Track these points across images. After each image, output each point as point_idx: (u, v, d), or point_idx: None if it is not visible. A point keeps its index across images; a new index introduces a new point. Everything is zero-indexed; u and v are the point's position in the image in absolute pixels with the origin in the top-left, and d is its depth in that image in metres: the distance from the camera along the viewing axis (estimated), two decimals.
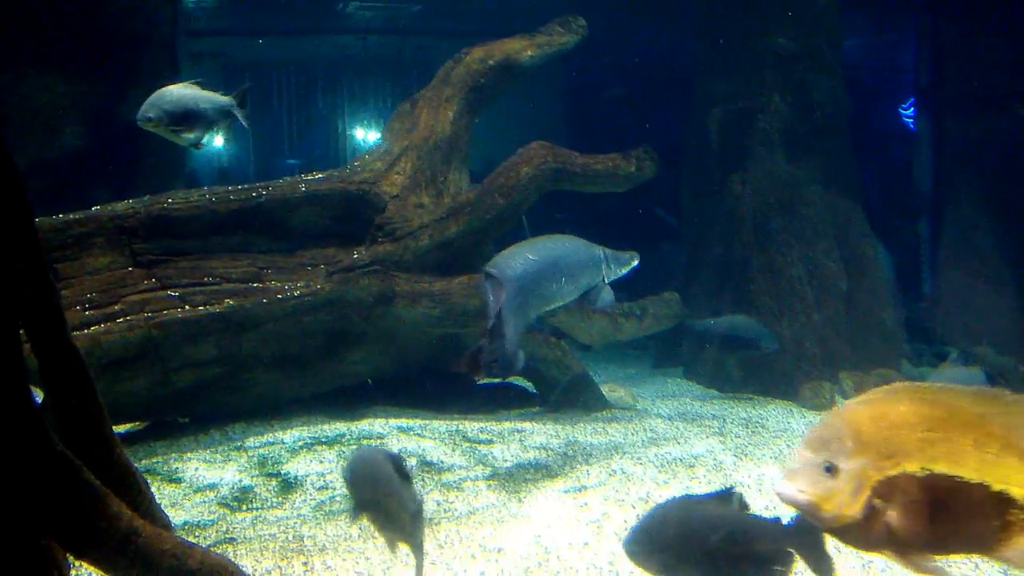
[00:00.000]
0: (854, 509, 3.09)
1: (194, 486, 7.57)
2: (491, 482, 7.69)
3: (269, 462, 8.20)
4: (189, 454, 8.42)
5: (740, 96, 13.18)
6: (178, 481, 7.68)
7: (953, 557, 3.20)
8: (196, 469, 7.98)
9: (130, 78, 12.76)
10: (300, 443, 8.73)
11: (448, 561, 5.87)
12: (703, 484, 7.67)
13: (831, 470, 3.14)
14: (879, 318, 13.50)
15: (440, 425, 9.44)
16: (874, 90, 18.65)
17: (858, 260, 13.28)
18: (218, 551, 5.70)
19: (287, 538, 6.28)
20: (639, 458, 8.39)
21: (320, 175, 10.31)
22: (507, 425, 9.62)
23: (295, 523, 6.63)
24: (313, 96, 21.46)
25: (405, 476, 4.51)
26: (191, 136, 7.84)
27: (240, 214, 9.46)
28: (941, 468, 3.00)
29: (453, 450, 8.59)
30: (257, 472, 7.94)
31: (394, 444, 8.72)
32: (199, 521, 6.70)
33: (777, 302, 12.18)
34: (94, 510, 3.63)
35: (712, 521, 4.00)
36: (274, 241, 9.74)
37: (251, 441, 8.79)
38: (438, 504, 7.05)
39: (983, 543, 3.06)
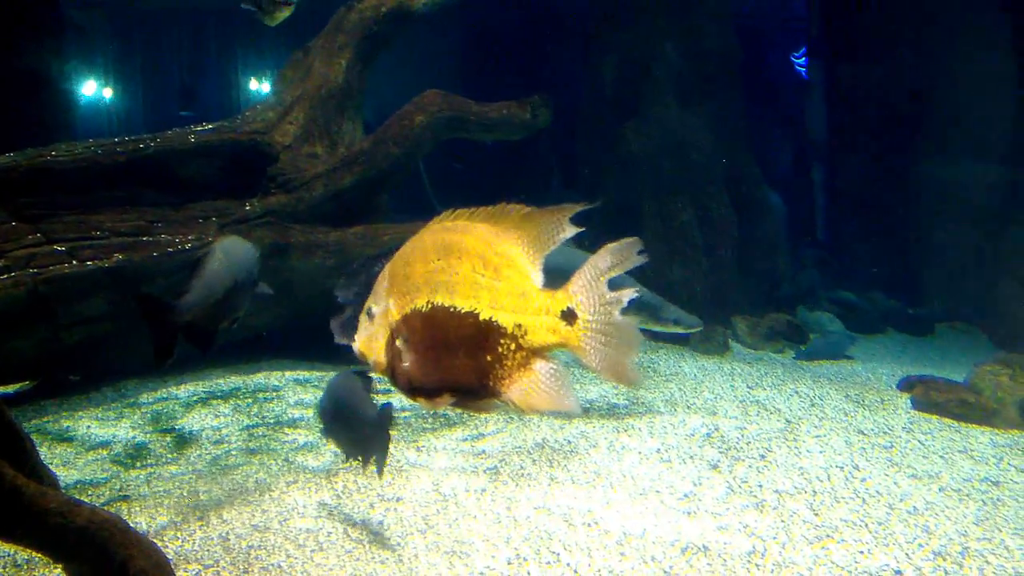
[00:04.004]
0: (377, 352, 2.86)
1: (86, 444, 7.44)
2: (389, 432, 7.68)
3: (163, 418, 8.10)
4: (81, 412, 8.26)
5: (634, 45, 13.22)
6: (70, 440, 7.54)
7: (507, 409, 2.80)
8: (88, 427, 7.85)
9: (13, 30, 12.36)
10: (195, 398, 8.63)
11: (347, 511, 5.87)
12: (597, 428, 7.78)
13: (370, 315, 2.89)
14: (772, 264, 13.76)
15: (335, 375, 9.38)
16: (767, 38, 18.88)
17: (751, 206, 13.49)
18: (111, 509, 5.63)
19: (182, 494, 6.22)
20: None
21: (210, 126, 10.13)
22: None
23: (190, 478, 6.56)
24: (206, 46, 20.98)
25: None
26: None
27: (128, 166, 9.24)
28: (440, 299, 2.74)
29: None
30: (151, 428, 7.83)
31: (291, 396, 8.67)
32: (92, 479, 6.59)
33: (668, 247, 12.33)
34: None
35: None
36: (164, 194, 9.53)
37: (145, 397, 8.66)
38: (335, 455, 7.03)
39: (488, 384, 2.74)
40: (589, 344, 2.68)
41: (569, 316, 2.69)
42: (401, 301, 2.80)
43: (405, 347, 2.79)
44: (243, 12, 8.19)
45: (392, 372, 2.86)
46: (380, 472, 5.56)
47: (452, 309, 2.73)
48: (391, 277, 2.85)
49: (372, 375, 5.72)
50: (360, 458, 5.60)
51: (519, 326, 2.71)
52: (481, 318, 2.72)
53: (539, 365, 2.72)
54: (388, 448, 5.50)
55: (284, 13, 7.81)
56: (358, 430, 5.54)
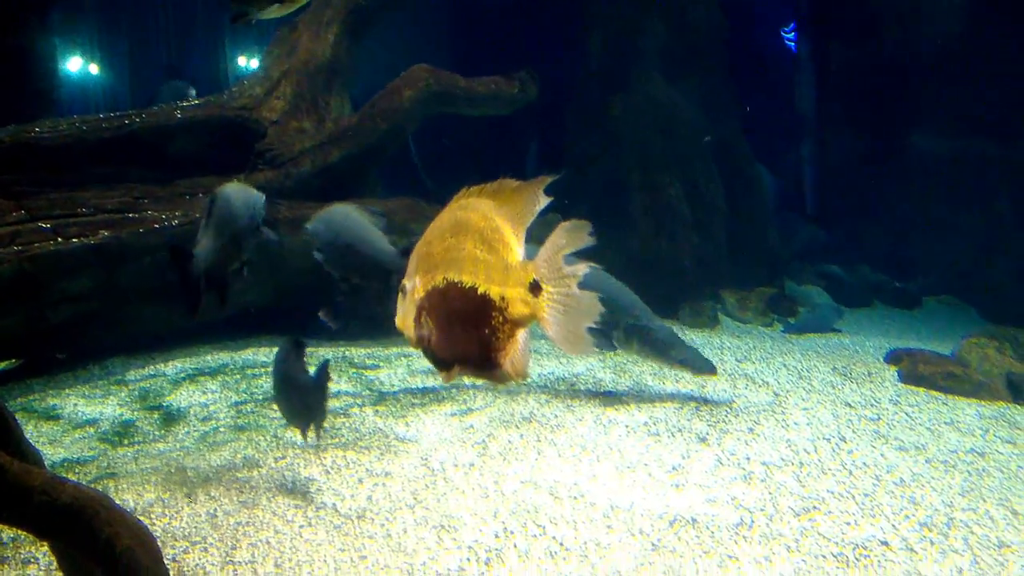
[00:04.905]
0: (410, 328, 2.99)
1: (73, 422, 7.41)
2: (378, 407, 7.69)
3: (151, 395, 8.08)
4: (67, 390, 8.23)
5: (620, 19, 13.13)
6: (56, 418, 7.51)
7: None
8: (75, 405, 7.82)
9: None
10: (182, 375, 8.61)
11: (335, 487, 5.87)
12: (584, 401, 7.79)
13: (403, 293, 3.03)
14: (761, 238, 13.75)
15: (326, 352, 9.38)
16: (756, 13, 18.81)
17: (739, 181, 13.47)
18: (99, 487, 5.63)
19: (170, 471, 6.20)
20: None
21: (197, 101, 10.08)
22: (394, 350, 9.61)
23: (178, 455, 6.55)
24: (193, 21, 20.83)
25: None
26: None
27: (113, 143, 9.20)
28: (452, 275, 2.85)
29: (339, 376, 8.56)
30: (138, 406, 7.81)
31: None
32: (79, 458, 6.57)
33: (655, 222, 12.29)
34: None
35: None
36: (151, 170, 9.49)
37: (132, 374, 8.64)
38: (324, 431, 7.01)
39: (489, 355, 2.85)
40: (550, 315, 2.76)
41: (535, 288, 2.77)
42: (424, 279, 2.91)
43: (428, 322, 2.91)
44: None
45: (421, 346, 2.97)
46: (317, 435, 5.92)
47: (459, 284, 2.82)
48: (418, 256, 2.97)
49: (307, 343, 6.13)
50: (299, 426, 5.89)
51: (503, 298, 2.80)
52: (479, 292, 2.80)
53: (520, 335, 2.82)
54: (325, 412, 5.82)
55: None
56: (294, 396, 5.83)
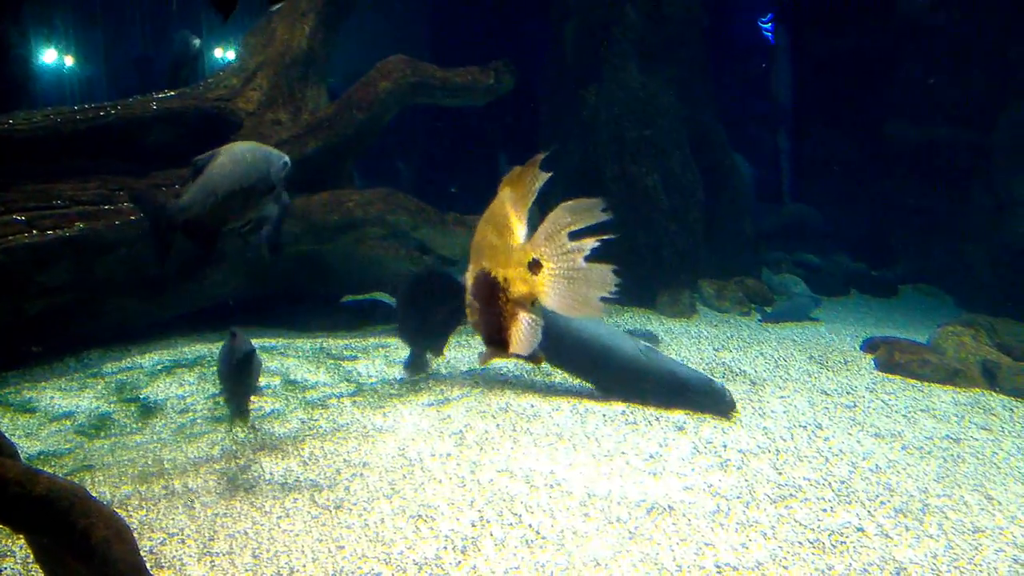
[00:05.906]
0: (469, 315, 3.13)
1: (49, 415, 7.38)
2: (356, 398, 7.68)
3: (127, 387, 8.04)
4: (43, 383, 8.19)
5: (594, 8, 13.12)
6: (32, 411, 7.47)
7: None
8: (51, 398, 7.78)
9: None
10: (159, 367, 8.57)
11: (313, 477, 5.87)
12: (560, 391, 7.81)
13: (463, 284, 3.19)
14: (739, 227, 13.79)
15: (304, 343, 9.37)
16: (734, 3, 18.85)
17: (717, 170, 13.48)
18: (75, 479, 5.61)
19: (147, 462, 6.19)
20: (500, 368, 8.48)
21: (172, 93, 10.03)
22: (372, 341, 9.60)
23: (155, 447, 6.53)
24: (168, 12, 20.70)
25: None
26: None
27: (89, 134, 9.15)
28: (481, 262, 3.02)
29: (317, 367, 8.55)
30: (115, 398, 7.77)
31: None
32: (55, 450, 6.55)
33: (633, 212, 12.29)
34: None
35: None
36: (127, 162, 9.44)
37: (108, 367, 8.60)
38: (302, 422, 7.02)
39: (501, 336, 2.99)
40: (551, 289, 2.85)
41: (535, 266, 2.85)
42: (471, 268, 3.08)
43: (473, 308, 3.07)
44: None
45: (476, 329, 3.11)
46: (237, 416, 6.05)
47: (484, 270, 2.97)
48: (471, 245, 3.13)
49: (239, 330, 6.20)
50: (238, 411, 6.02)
51: (505, 279, 2.91)
52: (491, 275, 2.94)
53: (522, 315, 2.92)
54: (245, 395, 5.92)
55: None
56: (223, 382, 6.01)
